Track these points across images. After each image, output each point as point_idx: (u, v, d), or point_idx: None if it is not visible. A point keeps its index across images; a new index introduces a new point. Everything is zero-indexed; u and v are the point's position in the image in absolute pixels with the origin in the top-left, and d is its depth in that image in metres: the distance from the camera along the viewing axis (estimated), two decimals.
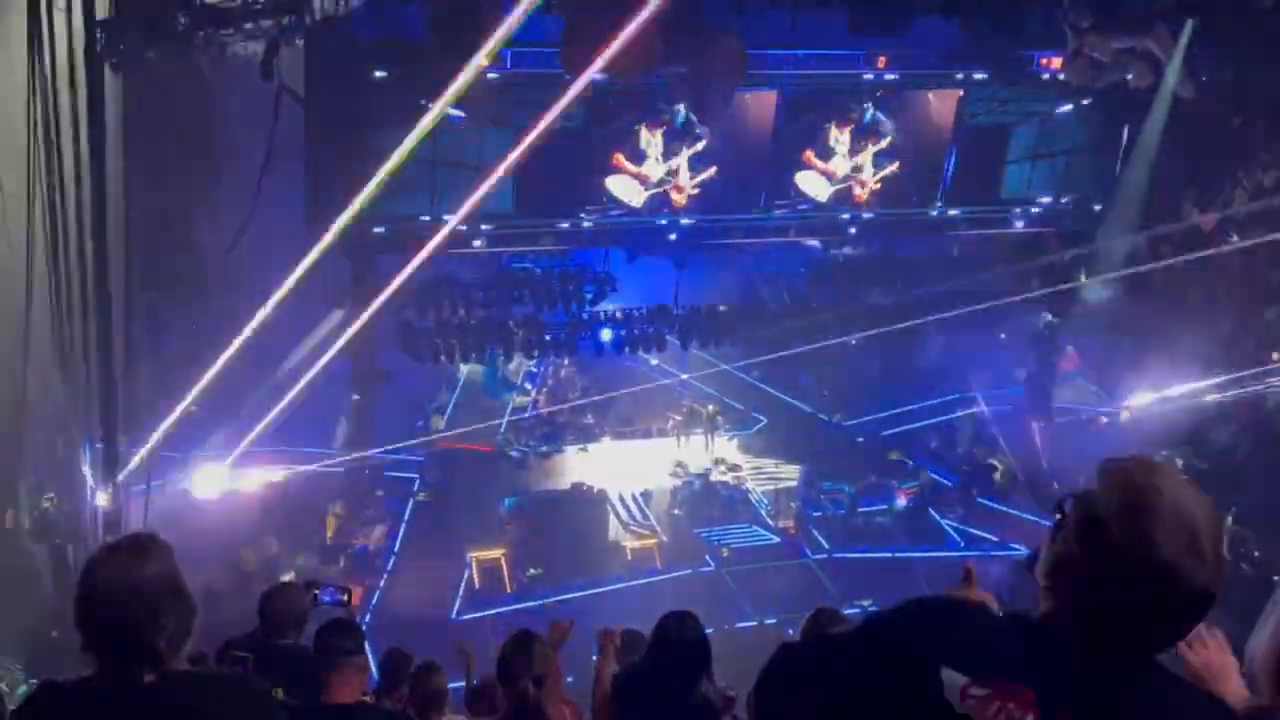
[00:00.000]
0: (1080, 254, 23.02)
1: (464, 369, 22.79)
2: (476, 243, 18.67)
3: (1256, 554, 18.35)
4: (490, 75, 16.80)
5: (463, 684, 7.61)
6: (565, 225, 19.28)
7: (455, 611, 18.62)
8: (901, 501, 22.17)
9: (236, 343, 16.70)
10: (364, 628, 5.65)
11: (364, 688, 5.04)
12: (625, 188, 18.85)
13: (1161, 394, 21.75)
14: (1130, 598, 2.18)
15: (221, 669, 3.12)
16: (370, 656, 5.50)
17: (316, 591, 6.02)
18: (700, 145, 18.62)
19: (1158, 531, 2.17)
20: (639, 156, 18.67)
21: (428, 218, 17.98)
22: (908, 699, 2.22)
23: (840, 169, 19.84)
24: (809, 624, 5.40)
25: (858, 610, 17.05)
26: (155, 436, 16.40)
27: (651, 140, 18.57)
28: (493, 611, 18.24)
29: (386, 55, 16.41)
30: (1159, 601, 2.17)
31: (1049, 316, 23.36)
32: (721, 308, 22.69)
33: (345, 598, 6.11)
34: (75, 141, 13.36)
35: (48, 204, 13.83)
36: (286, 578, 15.38)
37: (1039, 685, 2.17)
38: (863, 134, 19.68)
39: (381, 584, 18.87)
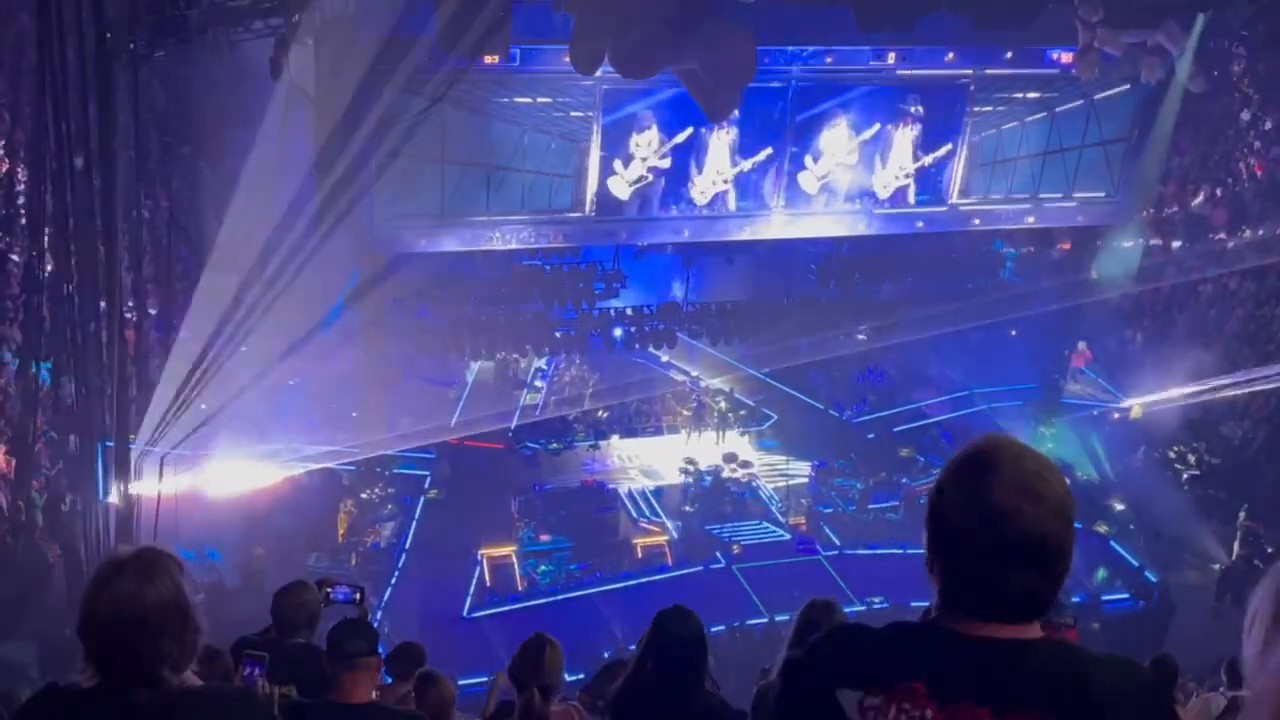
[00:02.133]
0: (1092, 249, 23.01)
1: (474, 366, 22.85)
2: (487, 240, 18.68)
3: (1269, 549, 18.31)
4: (499, 72, 16.90)
5: (468, 681, 7.62)
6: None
7: (466, 609, 18.62)
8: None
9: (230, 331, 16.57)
10: (375, 626, 5.65)
11: (376, 687, 5.04)
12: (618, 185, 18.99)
13: (1173, 389, 21.70)
14: (974, 547, 2.23)
15: (221, 685, 3.10)
16: (382, 656, 5.50)
17: (329, 590, 6.02)
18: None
19: (987, 476, 2.23)
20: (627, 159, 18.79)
21: (438, 214, 18.01)
22: None
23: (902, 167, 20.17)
24: (800, 617, 5.38)
25: (866, 606, 17.14)
26: (166, 434, 16.44)
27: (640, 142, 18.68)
28: (504, 609, 18.25)
29: (396, 52, 16.43)
30: (1000, 547, 2.20)
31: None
32: (731, 304, 22.71)
33: (358, 596, 6.10)
34: (85, 140, 13.39)
35: (58, 201, 13.87)
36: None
37: (929, 678, 2.24)
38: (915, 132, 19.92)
39: (393, 581, 18.88)
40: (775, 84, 18.75)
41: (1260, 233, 22.09)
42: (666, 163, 18.99)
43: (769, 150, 19.47)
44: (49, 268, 15.13)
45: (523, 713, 5.07)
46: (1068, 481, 2.28)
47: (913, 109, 19.85)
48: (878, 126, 19.66)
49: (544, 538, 20.02)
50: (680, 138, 18.80)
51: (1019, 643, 2.25)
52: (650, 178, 18.99)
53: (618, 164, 18.67)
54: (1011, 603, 2.26)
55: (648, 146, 18.76)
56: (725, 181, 19.50)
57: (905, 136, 20.01)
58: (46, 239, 15.02)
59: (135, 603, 2.77)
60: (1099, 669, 2.24)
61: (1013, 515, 2.20)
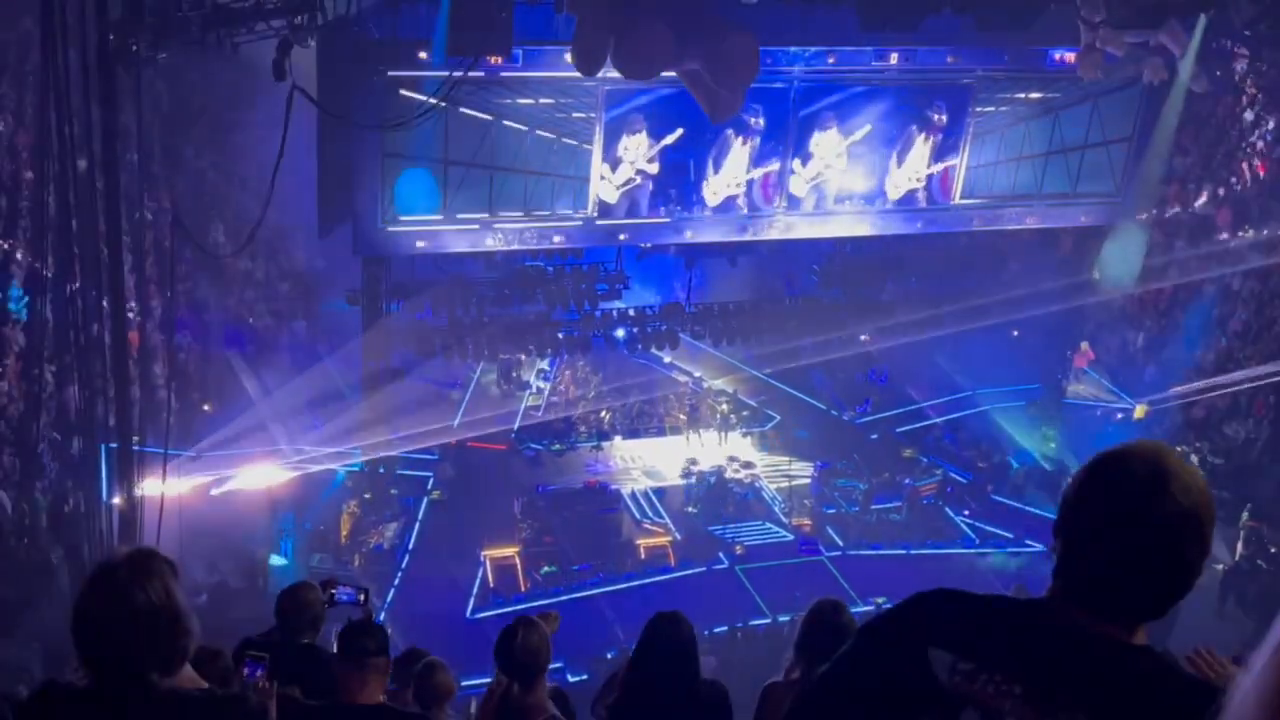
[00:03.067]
0: (1094, 249, 22.99)
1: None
2: (490, 241, 18.69)
3: (1273, 549, 18.29)
4: (502, 73, 16.91)
5: (471, 682, 7.59)
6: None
7: (469, 610, 18.63)
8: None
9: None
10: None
11: (384, 689, 5.04)
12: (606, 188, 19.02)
13: (1176, 389, 21.69)
14: (1096, 541, 2.24)
15: (215, 690, 3.10)
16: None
17: (333, 591, 6.02)
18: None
19: (1123, 477, 2.23)
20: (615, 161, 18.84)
21: (440, 216, 18.02)
22: (901, 680, 2.31)
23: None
24: (811, 614, 5.37)
25: (871, 607, 17.10)
26: (170, 436, 16.44)
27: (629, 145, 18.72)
28: (507, 610, 18.26)
29: (399, 55, 16.45)
30: (1125, 544, 2.21)
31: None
32: (733, 305, 22.70)
33: (362, 597, 6.11)
34: (88, 142, 13.40)
35: (61, 203, 13.87)
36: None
37: (1023, 659, 2.24)
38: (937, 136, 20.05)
39: (396, 582, 18.90)
40: (778, 84, 18.74)
41: (1263, 233, 22.07)
42: (654, 167, 19.00)
43: (777, 165, 19.50)
44: (52, 269, 15.12)
45: (498, 701, 5.04)
46: (1207, 491, 2.26)
47: (936, 117, 19.86)
48: (869, 128, 19.64)
49: (547, 538, 20.01)
50: (669, 139, 18.80)
51: (1120, 645, 2.25)
52: (639, 179, 18.99)
53: (605, 168, 18.67)
54: (1133, 602, 2.25)
55: (636, 150, 18.76)
56: (738, 185, 19.52)
57: (926, 143, 20.02)
58: (49, 240, 15.01)
59: (125, 605, 2.78)
60: (1190, 692, 2.22)
61: (1151, 499, 2.20)
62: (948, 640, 2.29)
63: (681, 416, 23.79)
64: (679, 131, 18.73)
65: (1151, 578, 2.24)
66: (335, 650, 5.13)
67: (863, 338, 23.98)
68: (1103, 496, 2.25)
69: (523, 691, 5.02)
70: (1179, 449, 20.67)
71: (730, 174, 19.42)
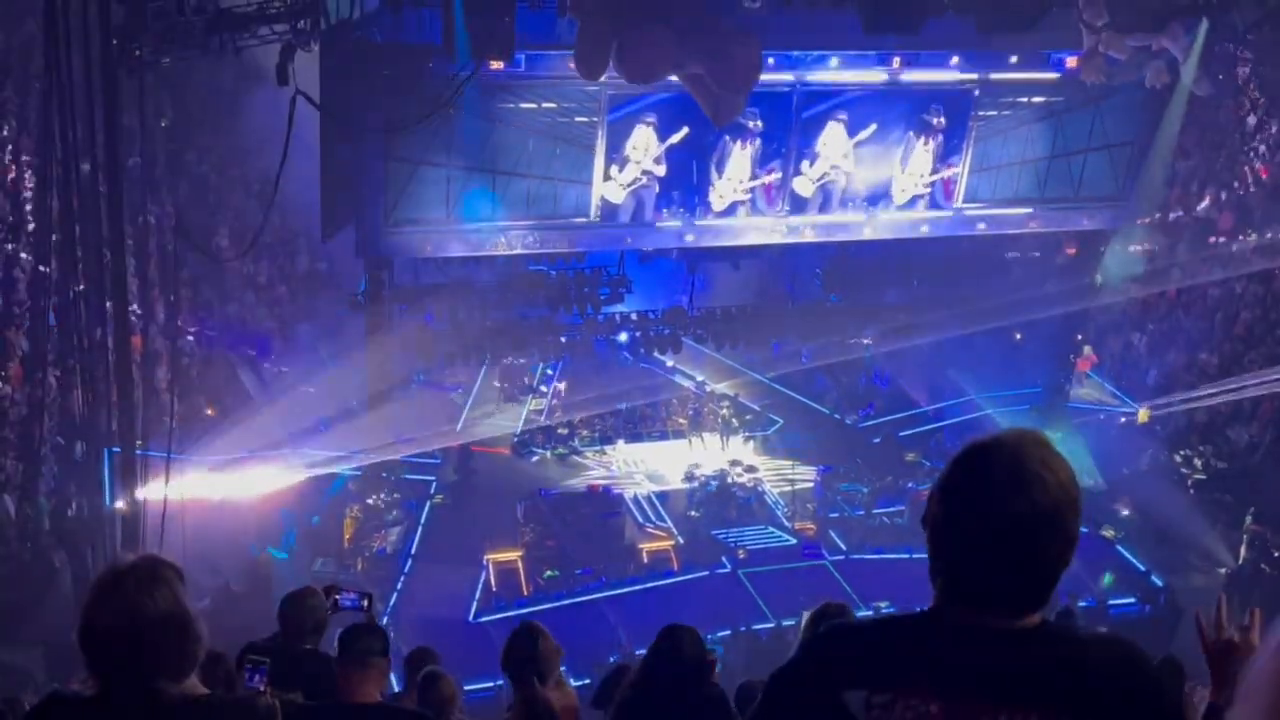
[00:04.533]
0: (1097, 253, 22.99)
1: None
2: (493, 245, 18.70)
3: (1276, 553, 18.28)
4: (505, 77, 16.93)
5: (474, 686, 7.60)
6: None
7: (472, 614, 18.62)
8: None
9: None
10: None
11: (383, 690, 5.05)
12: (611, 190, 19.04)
13: (1180, 393, 21.69)
14: (968, 531, 2.24)
15: (223, 694, 3.10)
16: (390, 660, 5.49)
17: (336, 596, 6.03)
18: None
19: (984, 459, 2.26)
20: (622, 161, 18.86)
21: (443, 220, 18.04)
22: None
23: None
24: (815, 617, 5.36)
25: (873, 611, 17.09)
26: (173, 440, 16.46)
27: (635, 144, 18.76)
28: (510, 614, 18.25)
29: (401, 58, 16.47)
30: (994, 531, 2.21)
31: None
32: (736, 309, 22.70)
33: (365, 603, 6.12)
34: (91, 146, 13.43)
35: (64, 207, 13.90)
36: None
37: (931, 673, 2.25)
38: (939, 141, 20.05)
39: (398, 586, 18.89)
40: (781, 89, 18.75)
41: (1266, 236, 22.08)
42: (662, 168, 19.00)
43: (779, 171, 19.49)
44: (55, 273, 15.15)
45: (527, 705, 5.05)
46: (1072, 470, 2.27)
47: (935, 120, 19.85)
48: (874, 127, 19.64)
49: (549, 542, 20.00)
50: (675, 138, 18.80)
51: (1016, 632, 2.25)
52: (645, 180, 19.00)
53: (613, 168, 18.68)
54: (1006, 592, 2.26)
55: (643, 150, 18.77)
56: (745, 192, 19.52)
57: (927, 146, 20.01)
58: (53, 244, 15.05)
59: (133, 614, 2.77)
60: (1095, 651, 2.25)
61: (1006, 496, 2.20)
62: (856, 679, 2.29)
63: (684, 420, 23.79)
64: (684, 130, 18.72)
65: (1016, 571, 2.24)
66: (336, 650, 5.14)
67: (864, 340, 23.97)
68: (962, 492, 2.26)
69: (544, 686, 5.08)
70: (1181, 453, 20.76)
71: (734, 179, 19.41)
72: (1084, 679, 2.20)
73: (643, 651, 5.82)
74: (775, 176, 19.57)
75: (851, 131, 19.58)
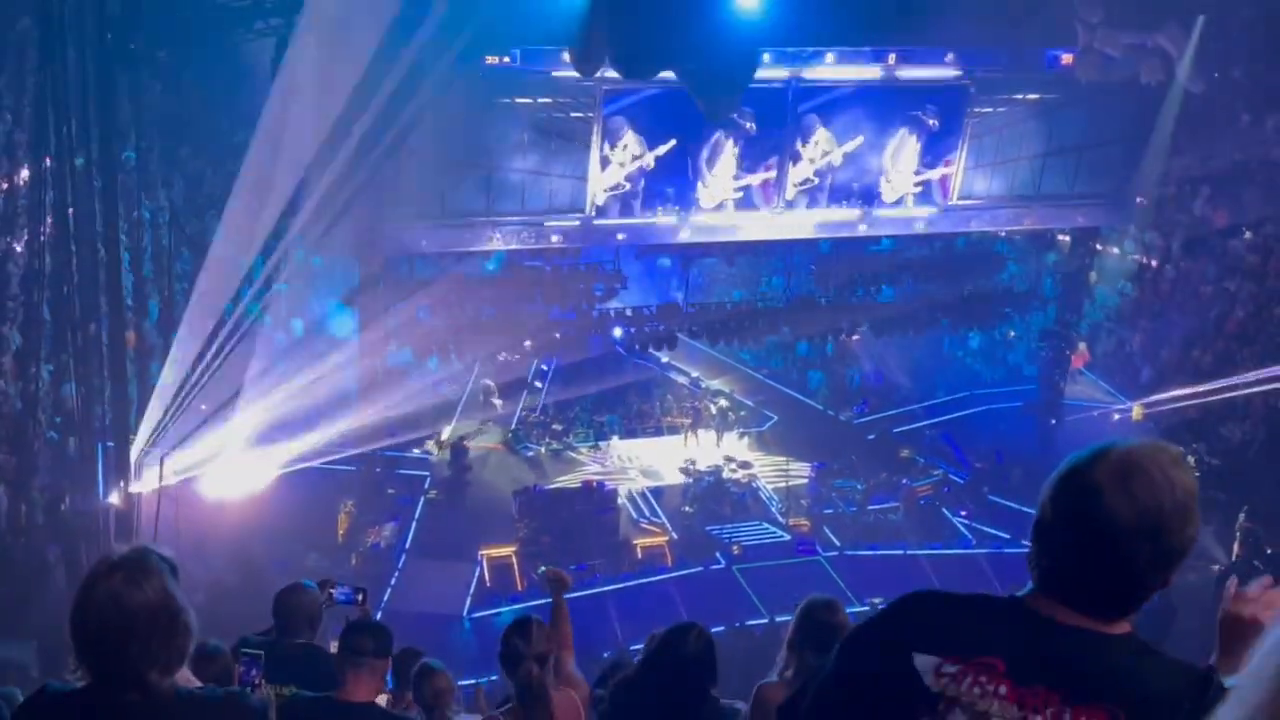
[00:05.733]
0: (1091, 250, 23.02)
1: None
2: (487, 240, 18.67)
3: (1269, 550, 18.30)
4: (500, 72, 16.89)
5: (468, 682, 7.59)
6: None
7: (466, 609, 18.63)
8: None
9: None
10: None
11: (380, 689, 5.05)
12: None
13: (1173, 390, 21.72)
14: (1069, 532, 2.25)
15: (213, 688, 3.11)
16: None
17: (331, 591, 6.03)
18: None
19: (1096, 464, 2.25)
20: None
21: (438, 215, 18.00)
22: (887, 686, 2.31)
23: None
24: (803, 612, 5.36)
25: (867, 607, 17.12)
26: (167, 435, 16.45)
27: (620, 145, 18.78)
28: (504, 609, 18.26)
29: (395, 53, 16.40)
30: (1095, 535, 2.22)
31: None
32: (731, 305, 22.71)
33: (360, 597, 6.12)
34: (86, 140, 13.40)
35: (58, 202, 13.87)
36: None
37: (1008, 655, 2.25)
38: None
39: (393, 582, 18.88)
40: (776, 85, 18.73)
41: (1260, 234, 22.11)
42: (649, 162, 18.98)
43: (774, 167, 19.47)
44: (49, 268, 15.11)
45: (524, 686, 5.03)
46: (1192, 486, 2.26)
47: (930, 121, 19.85)
48: (866, 128, 19.63)
49: (544, 538, 20.01)
50: (662, 150, 18.79)
51: (1097, 635, 2.26)
52: (628, 185, 18.99)
53: (601, 166, 18.67)
54: (1097, 595, 2.27)
55: (625, 151, 18.76)
56: (736, 191, 19.50)
57: (916, 145, 20.01)
58: (47, 239, 15.02)
59: (122, 605, 2.76)
60: (1175, 676, 2.25)
61: (1110, 500, 2.21)
62: (930, 643, 2.29)
63: (679, 416, 23.80)
64: (671, 142, 18.72)
65: (1110, 576, 2.25)
66: (336, 646, 5.14)
67: (855, 336, 24.01)
68: (1071, 490, 2.27)
69: (541, 671, 5.08)
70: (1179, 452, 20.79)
71: (724, 175, 19.38)
72: (1158, 700, 2.20)
73: (638, 647, 5.83)
74: (770, 174, 19.56)
75: (843, 132, 19.57)
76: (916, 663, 2.28)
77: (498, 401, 22.56)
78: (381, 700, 5.04)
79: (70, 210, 13.71)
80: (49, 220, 14.46)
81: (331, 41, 15.66)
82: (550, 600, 6.02)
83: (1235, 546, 18.81)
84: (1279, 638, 1.82)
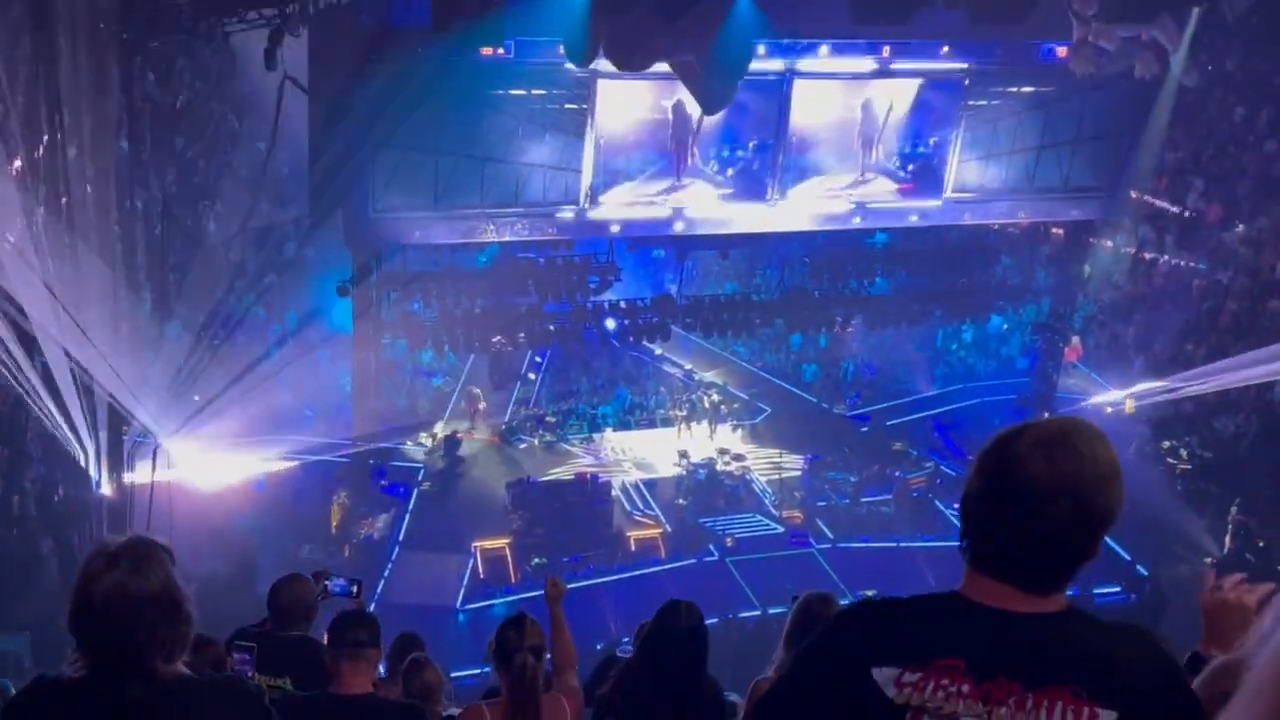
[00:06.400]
0: (1085, 243, 23.04)
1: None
2: (481, 232, 18.64)
3: (1261, 543, 18.37)
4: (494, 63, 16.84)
5: (461, 674, 7.60)
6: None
7: (460, 601, 18.64)
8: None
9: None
10: None
11: (374, 679, 5.05)
12: None
13: (1166, 383, 21.74)
14: (1000, 504, 2.28)
15: (212, 673, 3.11)
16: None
17: (326, 583, 6.02)
18: None
19: (1020, 436, 2.30)
20: None
21: (432, 207, 17.96)
22: (851, 706, 2.33)
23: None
24: (800, 608, 5.38)
25: (861, 600, 17.15)
26: (161, 426, 16.43)
27: None
28: (497, 601, 18.28)
29: (390, 44, 16.38)
30: (1026, 504, 2.25)
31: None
32: (725, 297, 22.69)
33: (355, 589, 6.11)
34: (78, 130, 13.37)
35: (52, 191, 13.84)
36: None
37: (966, 654, 2.27)
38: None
39: (386, 573, 18.89)
40: (770, 76, 18.71)
41: (1253, 227, 22.13)
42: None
43: (769, 157, 19.43)
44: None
45: (516, 677, 5.04)
46: (1113, 455, 2.30)
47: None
48: (861, 120, 19.60)
49: (537, 530, 20.01)
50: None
51: (1042, 616, 2.29)
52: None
53: (589, 161, 18.66)
54: (1031, 565, 2.29)
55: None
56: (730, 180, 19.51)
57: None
58: (40, 229, 14.98)
59: (127, 594, 2.76)
60: (1121, 638, 2.29)
61: (1035, 465, 2.25)
62: (888, 656, 2.31)
63: (672, 409, 23.81)
64: None
65: (1041, 544, 2.28)
66: (326, 640, 5.13)
67: (848, 329, 24.03)
68: (995, 461, 2.30)
69: (536, 663, 5.10)
70: (1167, 443, 20.84)
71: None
72: (1112, 668, 2.24)
73: (627, 640, 5.85)
74: (764, 160, 19.48)
75: (838, 125, 19.54)
76: (876, 677, 2.29)
77: (482, 405, 22.54)
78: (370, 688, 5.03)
79: (63, 200, 13.66)
80: (41, 210, 14.42)
81: (325, 30, 15.65)
82: (541, 592, 6.02)
83: (1227, 539, 18.88)
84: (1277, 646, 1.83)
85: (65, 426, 15.50)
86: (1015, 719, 2.23)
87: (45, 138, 13.35)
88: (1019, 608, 2.29)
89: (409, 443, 21.97)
